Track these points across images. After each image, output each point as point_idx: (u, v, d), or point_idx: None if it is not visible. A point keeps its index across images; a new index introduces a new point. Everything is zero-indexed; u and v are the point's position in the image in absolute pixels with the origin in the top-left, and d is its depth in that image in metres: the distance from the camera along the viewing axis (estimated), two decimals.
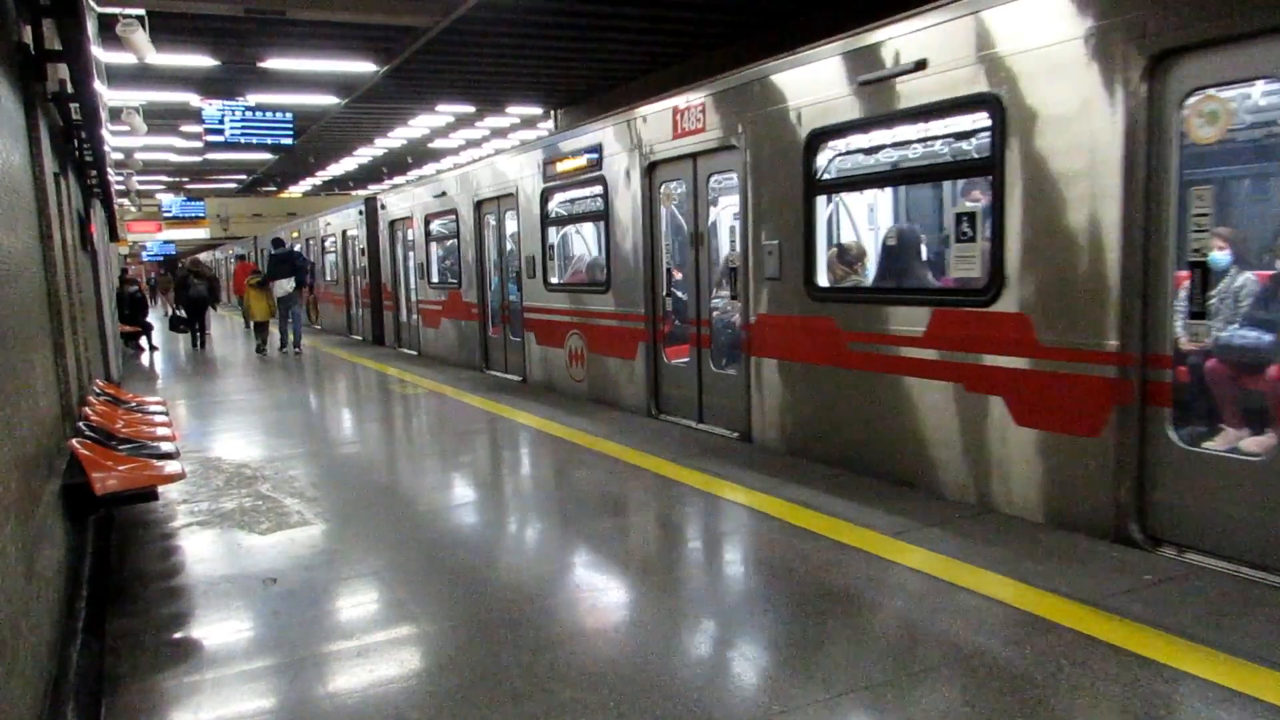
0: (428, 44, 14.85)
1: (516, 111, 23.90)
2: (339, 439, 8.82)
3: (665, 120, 7.90)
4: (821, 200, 6.53)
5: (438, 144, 31.75)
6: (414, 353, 15.44)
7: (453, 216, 13.26)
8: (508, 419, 8.89)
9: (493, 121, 27.13)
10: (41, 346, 4.34)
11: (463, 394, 10.54)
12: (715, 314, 7.91)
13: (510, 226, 11.66)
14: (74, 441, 4.79)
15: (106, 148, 10.28)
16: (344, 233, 19.90)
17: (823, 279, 6.53)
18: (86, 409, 6.05)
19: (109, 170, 12.46)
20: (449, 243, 14.00)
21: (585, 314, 9.64)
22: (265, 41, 15.02)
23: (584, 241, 11.53)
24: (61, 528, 4.13)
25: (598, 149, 9.06)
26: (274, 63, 16.00)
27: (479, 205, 12.30)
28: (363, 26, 14.31)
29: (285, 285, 15.89)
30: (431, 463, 7.58)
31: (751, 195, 6.92)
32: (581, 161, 9.42)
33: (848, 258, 7.02)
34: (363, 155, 34.79)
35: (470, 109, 23.53)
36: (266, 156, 32.27)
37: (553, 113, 22.92)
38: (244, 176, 42.90)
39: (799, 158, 6.37)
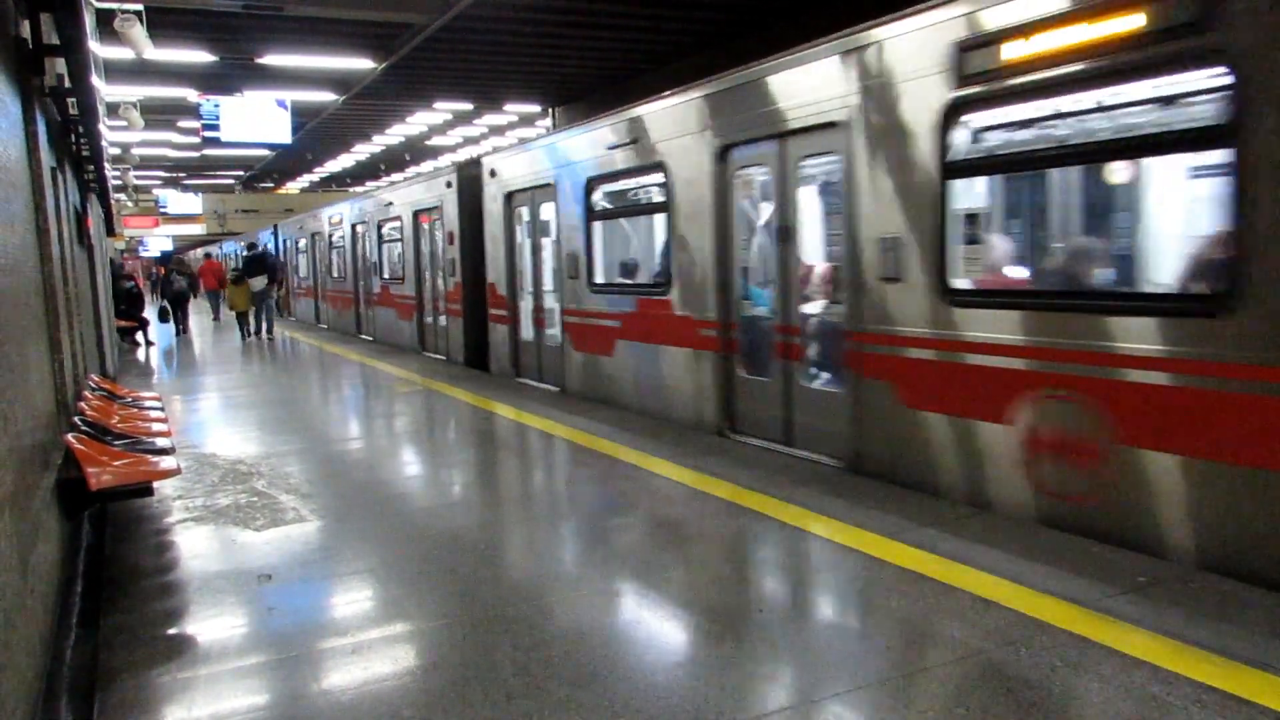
0: (426, 41, 14.87)
1: (514, 109, 23.94)
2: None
3: None
4: None
5: (435, 141, 31.83)
6: (553, 388, 10.40)
7: (655, 178, 8.40)
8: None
9: (491, 119, 27.20)
10: (37, 341, 4.34)
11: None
12: None
13: (806, 190, 7.30)
14: (69, 436, 4.80)
15: (104, 143, 10.25)
16: (414, 214, 14.62)
17: None
18: (82, 404, 6.06)
19: (106, 165, 12.44)
20: (642, 222, 9.68)
21: (1088, 356, 4.63)
22: (263, 37, 15.05)
23: (1065, 201, 6.55)
24: (56, 522, 4.14)
25: None
26: (272, 59, 16.02)
27: (724, 153, 7.34)
28: (360, 23, 14.35)
29: (258, 282, 18.07)
30: None
31: None
32: (1118, 27, 4.35)
33: None
34: (360, 152, 34.84)
35: (468, 106, 23.56)
36: (264, 153, 32.28)
37: (551, 111, 22.94)
38: (241, 172, 42.93)
39: None
